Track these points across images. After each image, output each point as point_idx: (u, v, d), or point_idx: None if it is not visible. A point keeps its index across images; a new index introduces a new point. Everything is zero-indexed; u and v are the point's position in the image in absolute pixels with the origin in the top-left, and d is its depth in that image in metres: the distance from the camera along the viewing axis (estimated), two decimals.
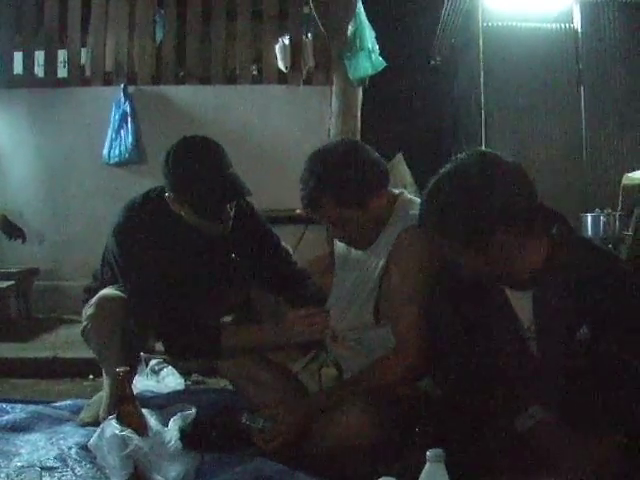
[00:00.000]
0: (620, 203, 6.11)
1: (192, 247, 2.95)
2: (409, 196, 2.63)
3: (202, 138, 2.91)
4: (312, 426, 2.39)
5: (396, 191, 2.64)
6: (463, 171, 2.09)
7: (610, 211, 6.02)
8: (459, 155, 2.17)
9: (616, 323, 2.04)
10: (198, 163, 2.78)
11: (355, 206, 2.45)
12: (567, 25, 8.58)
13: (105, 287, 3.02)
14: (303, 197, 2.49)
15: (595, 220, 5.95)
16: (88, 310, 2.96)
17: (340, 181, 2.42)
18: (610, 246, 5.59)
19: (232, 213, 2.89)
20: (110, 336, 2.89)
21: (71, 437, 2.75)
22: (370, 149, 2.54)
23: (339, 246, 2.79)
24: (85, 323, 2.97)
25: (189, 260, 2.96)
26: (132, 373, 3.01)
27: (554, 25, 8.58)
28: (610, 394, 2.00)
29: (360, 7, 6.14)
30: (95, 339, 2.95)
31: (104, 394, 2.99)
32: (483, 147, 8.19)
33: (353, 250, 2.67)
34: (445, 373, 2.33)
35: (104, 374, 3.03)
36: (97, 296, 2.96)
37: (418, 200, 2.40)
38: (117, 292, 2.94)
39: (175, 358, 3.62)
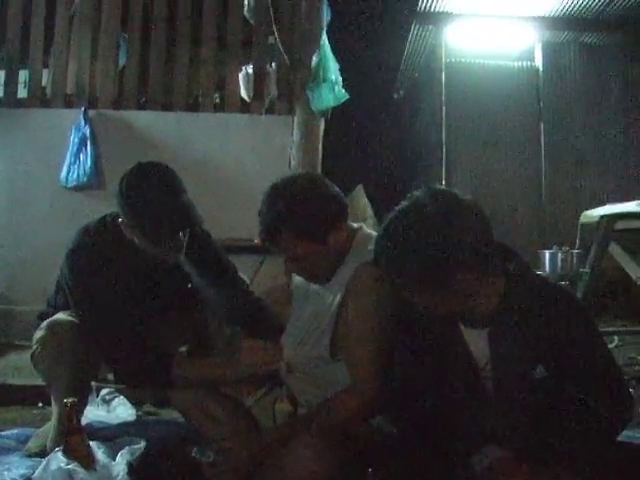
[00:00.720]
0: (578, 241, 6.18)
1: (145, 274, 2.93)
2: (368, 230, 2.62)
3: (156, 164, 2.90)
4: (263, 461, 2.35)
5: (355, 225, 2.62)
6: (418, 210, 2.07)
7: (568, 248, 6.08)
8: (414, 192, 2.15)
9: (571, 362, 2.04)
10: (150, 190, 2.76)
11: (314, 241, 2.43)
12: (529, 63, 8.74)
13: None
14: (261, 231, 2.47)
15: (553, 257, 5.99)
16: (38, 333, 2.91)
17: (299, 216, 2.40)
18: (567, 283, 5.63)
19: (185, 241, 2.86)
20: (60, 361, 2.83)
21: (16, 468, 2.67)
22: (329, 183, 2.52)
23: (298, 279, 2.76)
24: (35, 347, 2.91)
25: (142, 287, 2.92)
26: (82, 403, 2.94)
27: (516, 63, 8.74)
28: (566, 433, 1.99)
29: (325, 39, 6.17)
30: (44, 363, 2.89)
31: (52, 423, 2.92)
32: (443, 181, 8.28)
33: (312, 283, 2.65)
34: (399, 411, 2.30)
35: (53, 402, 2.95)
36: (48, 320, 2.91)
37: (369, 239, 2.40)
38: (69, 317, 2.89)
39: (125, 386, 3.54)
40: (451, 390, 2.18)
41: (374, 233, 2.52)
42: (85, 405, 3.11)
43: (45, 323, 2.91)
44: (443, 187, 2.25)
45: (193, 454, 2.37)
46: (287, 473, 2.26)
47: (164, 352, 2.83)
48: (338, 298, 2.48)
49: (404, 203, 2.12)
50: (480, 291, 2.10)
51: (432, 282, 2.05)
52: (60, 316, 2.92)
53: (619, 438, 2.14)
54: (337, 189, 2.53)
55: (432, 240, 2.00)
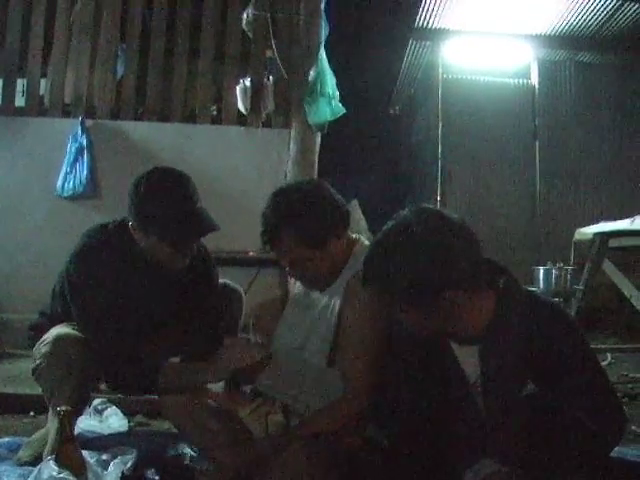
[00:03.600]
0: (572, 258, 6.20)
1: (146, 280, 2.93)
2: (366, 242, 2.64)
3: (171, 170, 2.92)
4: (257, 471, 2.34)
5: (354, 236, 2.64)
6: (403, 229, 2.08)
7: (562, 265, 6.10)
8: (401, 212, 2.16)
9: (563, 378, 2.04)
10: (171, 193, 2.77)
11: (314, 246, 2.46)
12: (525, 81, 8.79)
13: (54, 323, 2.94)
14: (263, 232, 2.49)
15: (547, 273, 6.00)
16: (42, 348, 2.85)
17: (301, 220, 2.43)
18: (561, 300, 5.64)
19: (195, 248, 2.88)
20: (65, 375, 2.79)
21: (7, 477, 2.64)
22: (333, 191, 2.55)
23: (298, 285, 2.77)
24: (39, 362, 2.86)
25: (141, 292, 2.91)
26: (78, 413, 2.93)
27: (512, 80, 8.78)
28: (558, 449, 1.99)
29: (322, 53, 6.20)
30: (49, 378, 2.84)
31: (50, 432, 2.90)
32: (438, 197, 8.30)
33: (313, 292, 2.65)
34: (392, 424, 2.30)
35: (50, 412, 2.92)
36: (53, 335, 2.85)
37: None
38: (74, 332, 2.86)
39: (119, 393, 3.51)
40: (442, 405, 2.18)
41: None
42: (80, 414, 3.09)
43: (50, 338, 2.85)
44: (429, 206, 2.25)
45: (186, 461, 2.37)
46: None
47: (153, 360, 2.81)
48: (337, 308, 2.49)
49: (390, 223, 2.13)
50: (469, 309, 2.10)
51: (418, 302, 2.05)
52: (64, 330, 2.87)
53: (612, 454, 2.14)
54: (340, 198, 2.55)
55: (417, 259, 2.01)
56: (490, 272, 2.17)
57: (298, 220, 2.43)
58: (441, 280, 2.01)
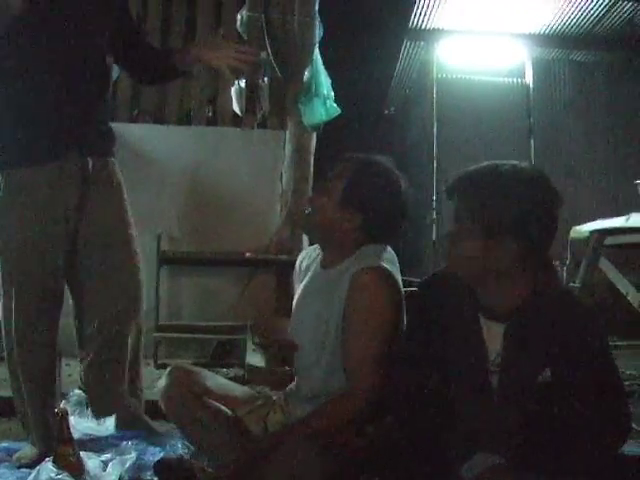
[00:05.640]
0: (568, 256, 6.20)
1: None
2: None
3: None
4: (257, 467, 2.34)
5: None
6: (515, 172, 2.13)
7: (558, 263, 6.09)
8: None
9: (577, 374, 2.05)
10: None
11: (342, 204, 2.52)
12: (519, 80, 8.81)
13: None
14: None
15: None
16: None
17: (355, 179, 2.58)
18: None
19: None
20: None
21: (6, 479, 2.66)
22: (403, 196, 2.64)
23: (304, 264, 2.75)
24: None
25: None
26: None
27: (506, 79, 8.81)
28: (562, 444, 1.99)
29: (317, 53, 6.19)
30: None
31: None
32: (434, 196, 8.30)
33: (320, 275, 2.63)
34: (402, 414, 2.29)
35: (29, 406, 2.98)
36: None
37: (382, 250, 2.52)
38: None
39: None
40: (457, 391, 2.19)
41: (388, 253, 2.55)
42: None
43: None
44: None
45: (186, 456, 2.37)
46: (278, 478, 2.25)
47: None
48: (344, 296, 2.48)
49: (507, 162, 2.19)
50: (513, 275, 2.13)
51: (486, 232, 2.08)
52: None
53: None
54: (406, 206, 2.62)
55: (513, 199, 2.07)
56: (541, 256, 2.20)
57: (356, 176, 2.58)
58: (514, 225, 2.06)
